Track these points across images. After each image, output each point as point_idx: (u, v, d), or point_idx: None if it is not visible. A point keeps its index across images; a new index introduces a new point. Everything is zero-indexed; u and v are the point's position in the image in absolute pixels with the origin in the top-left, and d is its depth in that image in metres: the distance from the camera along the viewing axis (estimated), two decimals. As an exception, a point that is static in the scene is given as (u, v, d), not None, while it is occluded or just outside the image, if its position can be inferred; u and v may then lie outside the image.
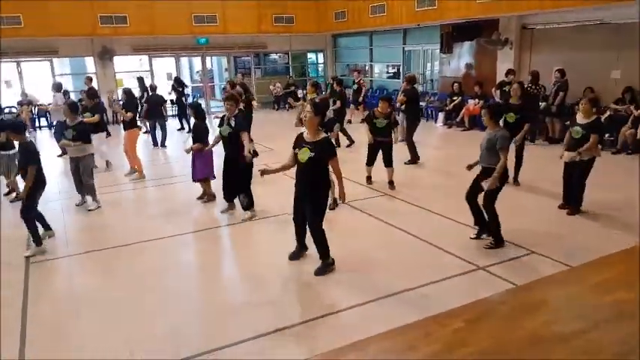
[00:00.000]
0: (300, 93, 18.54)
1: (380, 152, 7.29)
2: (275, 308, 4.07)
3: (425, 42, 15.66)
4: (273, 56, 19.57)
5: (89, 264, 5.21)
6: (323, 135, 4.42)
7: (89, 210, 6.88)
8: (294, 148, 4.51)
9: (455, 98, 13.31)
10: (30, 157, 5.09)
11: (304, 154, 4.35)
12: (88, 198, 7.04)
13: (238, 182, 6.08)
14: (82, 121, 7.08)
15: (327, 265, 4.60)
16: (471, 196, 5.17)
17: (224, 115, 6.06)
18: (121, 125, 9.32)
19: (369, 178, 7.61)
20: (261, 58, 18.91)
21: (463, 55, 14.40)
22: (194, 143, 6.71)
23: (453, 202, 6.03)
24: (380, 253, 5.10)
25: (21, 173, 5.26)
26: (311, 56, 20.51)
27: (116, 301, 4.31)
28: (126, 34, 15.02)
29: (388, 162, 7.30)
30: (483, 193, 5.00)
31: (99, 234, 6.09)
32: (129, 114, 8.59)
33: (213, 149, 6.62)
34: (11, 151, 7.41)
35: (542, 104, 10.48)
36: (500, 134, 4.95)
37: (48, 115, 14.77)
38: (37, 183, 5.18)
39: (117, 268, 5.05)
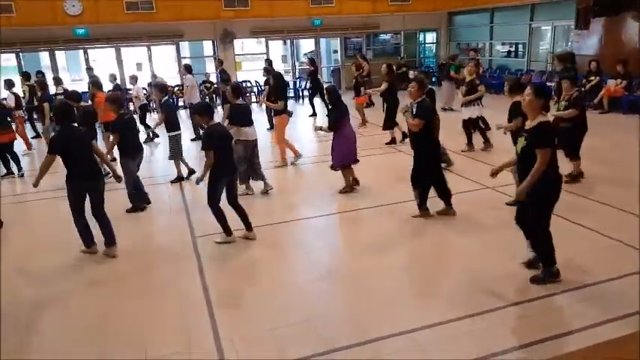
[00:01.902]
0: (410, 74, 17.88)
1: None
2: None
3: (556, 17, 14.28)
4: (383, 36, 19.02)
5: (249, 240, 5.27)
6: (541, 119, 3.78)
7: (262, 193, 6.87)
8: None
9: (592, 78, 11.97)
10: (212, 142, 4.93)
11: (519, 144, 3.86)
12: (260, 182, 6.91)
13: (421, 178, 5.46)
14: (239, 103, 6.82)
15: (549, 274, 3.96)
16: None
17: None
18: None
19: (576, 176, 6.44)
20: (371, 38, 18.46)
21: (603, 32, 12.88)
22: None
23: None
24: (584, 259, 4.45)
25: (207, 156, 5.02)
26: (419, 35, 19.68)
27: (283, 279, 4.41)
28: (247, 17, 15.37)
29: (572, 152, 6.40)
30: None
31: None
32: (280, 102, 8.04)
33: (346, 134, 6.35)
34: (173, 133, 7.40)
35: None
36: None
37: (174, 97, 15.58)
38: (221, 170, 5.00)
39: (279, 243, 5.17)
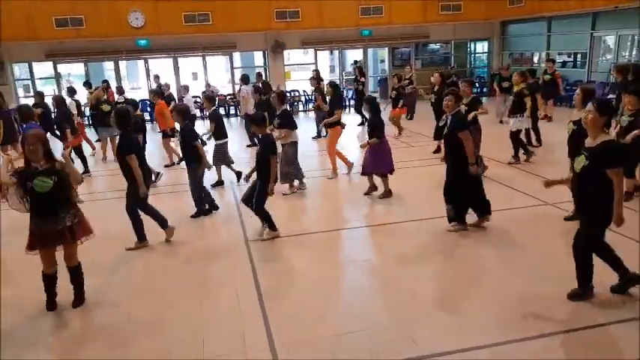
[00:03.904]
0: (460, 85, 17.56)
1: None
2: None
3: (621, 26, 13.59)
4: (432, 46, 18.82)
5: (297, 246, 5.44)
6: (605, 138, 3.61)
7: (284, 194, 7.07)
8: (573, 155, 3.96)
9: (662, 91, 11.27)
10: (269, 149, 5.30)
11: (579, 163, 3.67)
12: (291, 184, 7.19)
13: (452, 190, 5.35)
14: (286, 108, 7.19)
15: (628, 281, 3.83)
16: None
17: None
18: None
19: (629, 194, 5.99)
20: (419, 48, 18.31)
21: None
22: (370, 138, 6.64)
23: None
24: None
25: (258, 165, 5.43)
26: (470, 45, 19.30)
27: (335, 288, 4.45)
28: (298, 28, 15.70)
29: (629, 169, 6.01)
30: None
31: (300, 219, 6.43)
32: (337, 113, 8.05)
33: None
34: (220, 141, 7.71)
35: None
36: None
37: (226, 105, 16.16)
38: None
39: (327, 250, 5.24)
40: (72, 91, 11.08)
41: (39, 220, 3.88)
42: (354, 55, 20.04)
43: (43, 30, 14.26)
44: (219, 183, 7.92)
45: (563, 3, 13.86)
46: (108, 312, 4.21)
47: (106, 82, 13.26)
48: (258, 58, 18.36)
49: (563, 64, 16.01)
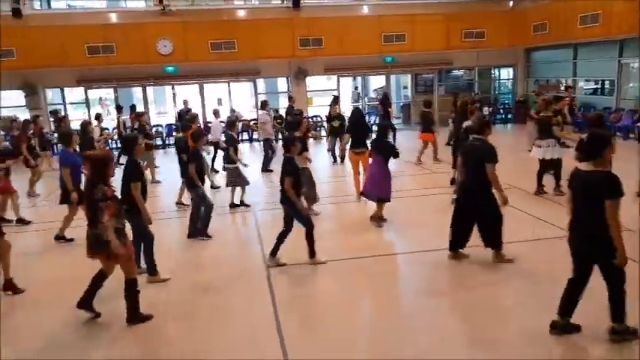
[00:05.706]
0: (485, 110, 17.45)
1: None
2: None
3: (649, 53, 13.32)
4: (456, 72, 18.80)
5: (322, 274, 5.41)
6: None
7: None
8: None
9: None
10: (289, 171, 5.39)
11: None
12: None
13: (484, 228, 5.21)
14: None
15: (624, 332, 3.60)
16: None
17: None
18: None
19: None
20: (443, 74, 18.31)
21: None
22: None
23: None
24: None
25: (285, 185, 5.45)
26: (494, 72, 19.20)
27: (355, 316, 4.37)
28: (320, 55, 15.94)
29: None
30: None
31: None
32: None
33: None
34: (232, 165, 7.96)
35: None
36: None
37: (249, 130, 16.40)
38: None
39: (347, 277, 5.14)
40: (98, 117, 11.51)
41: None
42: (378, 81, 20.17)
43: (75, 57, 14.83)
44: (233, 204, 8.15)
45: (588, 31, 13.70)
46: (125, 342, 4.21)
47: (133, 106, 13.64)
48: (281, 84, 18.64)
49: (594, 91, 15.74)
